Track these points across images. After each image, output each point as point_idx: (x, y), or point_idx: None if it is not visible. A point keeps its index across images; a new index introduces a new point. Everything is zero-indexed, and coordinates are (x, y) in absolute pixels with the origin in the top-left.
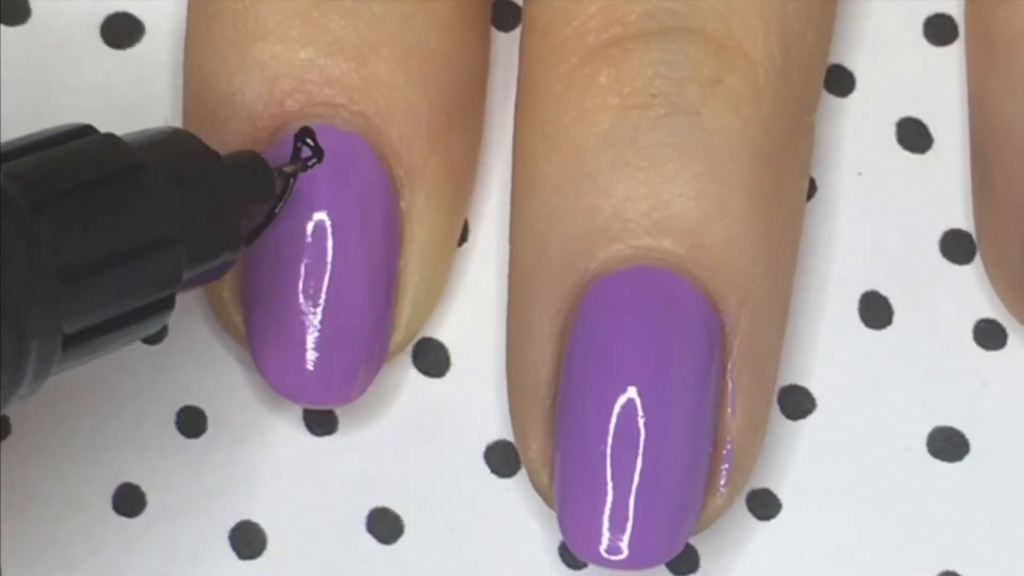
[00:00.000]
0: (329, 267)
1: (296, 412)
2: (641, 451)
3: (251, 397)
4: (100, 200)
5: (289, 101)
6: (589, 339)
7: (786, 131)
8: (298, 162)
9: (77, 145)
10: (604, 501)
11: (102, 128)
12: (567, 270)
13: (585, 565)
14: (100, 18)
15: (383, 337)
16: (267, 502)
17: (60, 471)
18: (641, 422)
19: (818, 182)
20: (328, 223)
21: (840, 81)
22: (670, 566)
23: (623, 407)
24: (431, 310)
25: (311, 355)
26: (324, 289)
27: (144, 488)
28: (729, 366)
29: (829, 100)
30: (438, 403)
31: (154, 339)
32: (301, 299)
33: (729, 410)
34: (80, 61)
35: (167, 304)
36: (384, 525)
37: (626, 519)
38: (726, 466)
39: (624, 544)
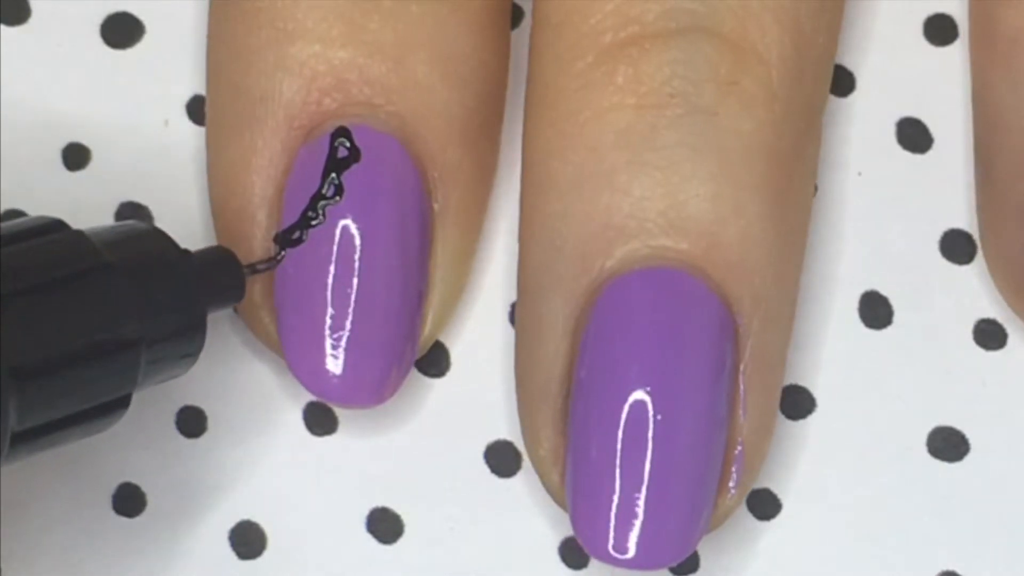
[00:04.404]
0: (363, 268)
1: (296, 412)
2: (654, 451)
3: (251, 397)
4: (59, 300)
5: (327, 100)
6: (604, 337)
7: (797, 133)
8: (271, 261)
9: (42, 242)
10: (617, 501)
11: (101, 128)
12: (582, 268)
13: (586, 565)
14: (100, 18)
15: (414, 337)
16: (267, 502)
17: (60, 471)
18: (654, 422)
19: (818, 182)
20: (362, 224)
21: (840, 81)
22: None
23: (637, 407)
24: (453, 310)
25: (345, 356)
26: (357, 290)
27: (144, 488)
28: (742, 367)
29: (829, 100)
30: (438, 403)
31: None
32: (335, 300)
33: (741, 411)
34: (80, 61)
35: (123, 403)
36: (384, 525)
37: (639, 519)
38: (736, 467)
39: (637, 544)
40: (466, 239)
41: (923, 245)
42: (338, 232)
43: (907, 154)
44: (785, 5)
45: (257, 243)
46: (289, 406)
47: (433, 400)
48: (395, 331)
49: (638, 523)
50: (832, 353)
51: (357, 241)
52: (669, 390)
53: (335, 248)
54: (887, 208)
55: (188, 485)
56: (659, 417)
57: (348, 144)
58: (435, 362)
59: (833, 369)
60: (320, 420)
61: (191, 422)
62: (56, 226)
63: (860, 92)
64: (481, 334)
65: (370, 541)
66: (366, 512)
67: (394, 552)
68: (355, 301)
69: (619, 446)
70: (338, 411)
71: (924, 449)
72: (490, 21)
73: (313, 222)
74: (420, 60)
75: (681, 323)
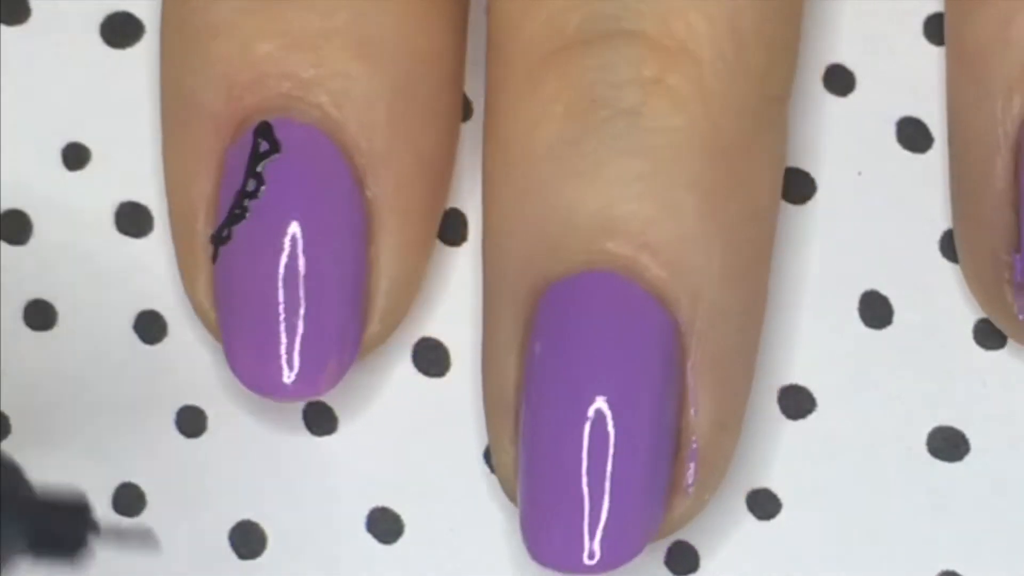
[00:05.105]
0: (291, 259)
1: (296, 412)
2: (596, 455)
3: (251, 397)
4: None
5: (247, 96)
6: (543, 346)
7: (744, 126)
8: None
9: None
10: (560, 508)
11: (101, 128)
12: (524, 279)
13: None
14: (100, 18)
15: (354, 328)
16: (267, 502)
17: (60, 471)
18: (594, 426)
19: (818, 182)
20: (289, 216)
21: (840, 81)
22: (670, 566)
23: (575, 412)
24: (409, 301)
25: (277, 348)
26: (288, 281)
27: (144, 488)
28: (689, 366)
29: (829, 100)
30: (438, 403)
31: (154, 339)
32: (265, 292)
33: (692, 410)
34: (80, 61)
35: None
36: (384, 525)
37: (582, 525)
38: (692, 465)
39: (582, 550)
40: (409, 227)
41: (923, 245)
42: (265, 225)
43: (907, 154)
44: (716, 0)
45: (199, 247)
46: (289, 406)
47: (433, 400)
48: (330, 322)
49: (585, 529)
50: (832, 353)
51: (284, 233)
52: (607, 394)
53: (264, 241)
54: (887, 208)
55: (188, 485)
56: (599, 422)
57: (269, 138)
58: (435, 362)
59: (833, 369)
60: (320, 420)
61: (191, 422)
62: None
63: (860, 92)
64: (481, 334)
65: (370, 541)
66: (366, 512)
67: (394, 552)
68: (286, 293)
69: (561, 453)
70: (338, 411)
71: (924, 449)
72: (420, 4)
73: (237, 219)
74: (337, 47)
75: (617, 326)
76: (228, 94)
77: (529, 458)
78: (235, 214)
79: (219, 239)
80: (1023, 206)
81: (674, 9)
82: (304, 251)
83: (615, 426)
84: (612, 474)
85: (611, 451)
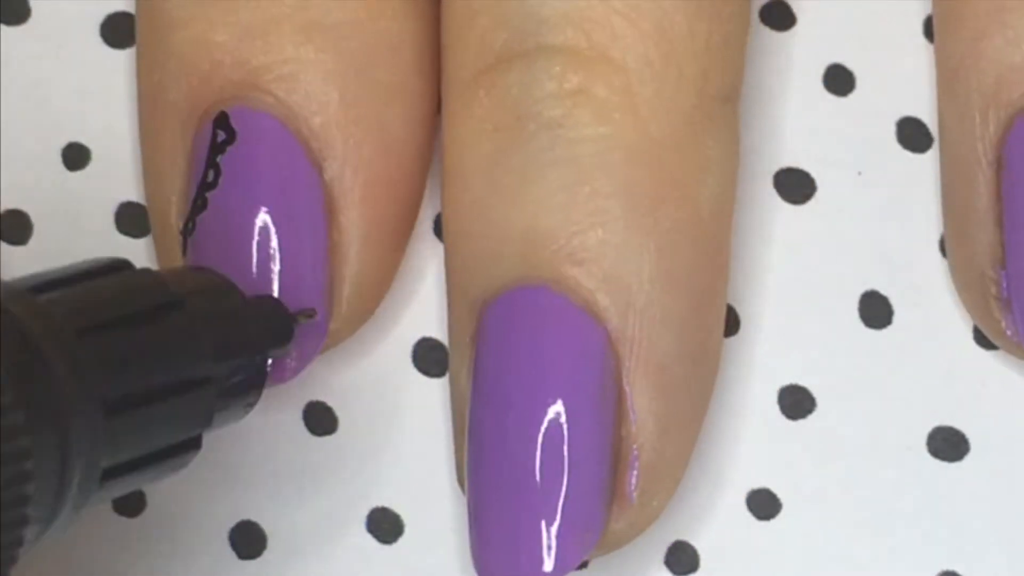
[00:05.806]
0: (250, 247)
1: (296, 412)
2: (533, 470)
3: None
4: (140, 335)
5: (205, 87)
6: (480, 364)
7: (679, 130)
8: (311, 311)
9: (116, 278)
10: (499, 525)
11: (101, 128)
12: (468, 296)
13: (585, 565)
14: (100, 18)
15: (319, 311)
16: (267, 502)
17: None
18: (530, 441)
19: (818, 182)
20: (243, 204)
21: (840, 81)
22: (670, 566)
23: (510, 427)
24: (381, 287)
25: None
26: (252, 267)
27: (144, 488)
28: (623, 373)
29: (829, 100)
30: (438, 403)
31: None
32: (227, 279)
33: (632, 416)
34: (80, 61)
35: (195, 444)
36: (384, 525)
37: (522, 539)
38: (634, 473)
39: (518, 563)
40: (372, 207)
41: (923, 245)
42: (220, 217)
43: (907, 154)
44: (640, 6)
45: (173, 240)
46: (289, 406)
47: (433, 400)
48: (295, 305)
49: (517, 541)
50: (832, 353)
51: (236, 223)
52: (539, 408)
53: (219, 233)
54: (887, 208)
55: (188, 485)
56: (529, 435)
57: (225, 128)
58: (435, 362)
59: (833, 369)
60: (320, 420)
61: None
62: (123, 264)
63: (860, 92)
64: None
65: (370, 541)
66: (366, 512)
67: (394, 552)
68: (251, 279)
69: (490, 472)
70: (338, 411)
71: (924, 449)
72: None
73: (200, 211)
74: (286, 33)
75: (545, 340)
76: (188, 86)
77: (470, 477)
78: (197, 205)
79: (186, 231)
80: (1007, 222)
81: (597, 19)
82: (263, 238)
83: (550, 439)
84: (548, 488)
85: (548, 465)
